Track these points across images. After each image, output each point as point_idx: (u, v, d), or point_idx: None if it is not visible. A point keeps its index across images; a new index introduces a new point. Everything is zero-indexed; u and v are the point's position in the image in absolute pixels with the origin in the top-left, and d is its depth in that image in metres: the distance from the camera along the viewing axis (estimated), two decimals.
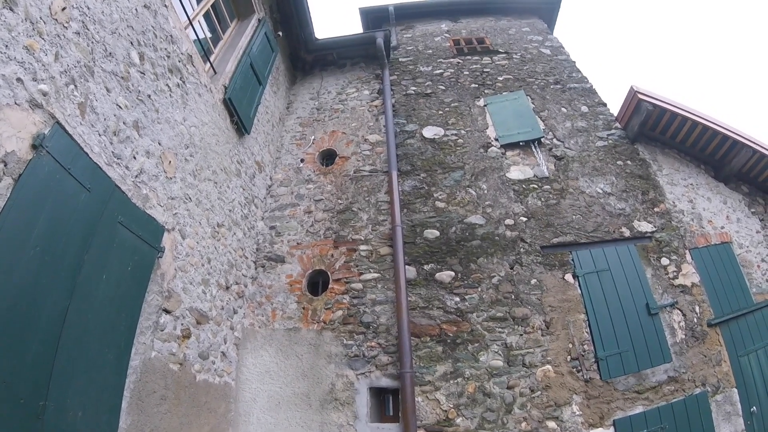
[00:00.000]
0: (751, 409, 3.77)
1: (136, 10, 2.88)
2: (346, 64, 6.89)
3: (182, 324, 3.08)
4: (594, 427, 3.46)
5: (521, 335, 3.84)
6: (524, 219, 4.59)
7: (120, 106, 2.59)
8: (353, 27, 44.47)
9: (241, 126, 4.49)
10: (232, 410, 3.75)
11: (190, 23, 3.92)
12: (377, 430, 3.58)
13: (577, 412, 3.50)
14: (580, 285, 4.12)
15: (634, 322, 3.95)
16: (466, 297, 4.07)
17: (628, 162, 5.09)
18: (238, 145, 4.51)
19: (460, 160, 5.20)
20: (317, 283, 4.53)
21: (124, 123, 2.61)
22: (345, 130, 5.79)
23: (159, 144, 2.99)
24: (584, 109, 5.78)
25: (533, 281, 4.14)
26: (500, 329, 3.88)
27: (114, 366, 2.38)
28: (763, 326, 4.23)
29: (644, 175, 4.97)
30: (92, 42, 2.39)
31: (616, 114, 5.58)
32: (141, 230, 2.65)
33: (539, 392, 3.57)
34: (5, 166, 1.76)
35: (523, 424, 3.43)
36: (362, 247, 4.53)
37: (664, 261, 4.32)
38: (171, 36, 3.33)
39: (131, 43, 2.79)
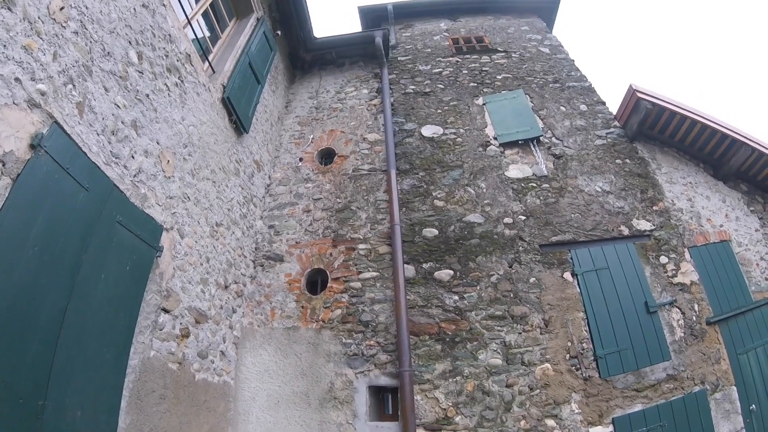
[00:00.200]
0: (750, 407, 3.78)
1: (134, 9, 2.88)
2: (344, 63, 6.88)
3: (181, 323, 3.09)
4: (593, 425, 3.46)
5: (520, 333, 3.84)
6: (523, 217, 4.59)
7: (118, 106, 2.59)
8: (352, 26, 44.47)
9: (240, 125, 4.49)
10: (231, 409, 3.75)
11: (189, 22, 3.91)
12: (376, 428, 3.58)
13: (576, 411, 3.51)
14: (578, 283, 4.12)
15: (633, 321, 3.95)
16: (465, 295, 4.08)
17: (627, 160, 5.09)
18: (237, 144, 4.51)
19: (459, 159, 5.20)
20: (316, 282, 4.54)
21: (122, 122, 2.61)
22: (344, 129, 5.79)
23: (157, 143, 2.99)
24: (583, 107, 5.78)
25: (532, 280, 4.15)
26: (499, 328, 3.88)
27: (113, 365, 2.38)
28: (762, 324, 4.23)
29: (643, 173, 4.97)
30: (90, 41, 2.39)
31: (615, 113, 5.58)
32: (139, 229, 2.65)
33: (538, 390, 3.58)
34: (3, 165, 1.76)
35: (522, 423, 3.43)
36: (361, 246, 4.53)
37: (663, 259, 4.33)
38: (169, 35, 3.32)
39: (129, 42, 2.78)
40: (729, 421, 3.67)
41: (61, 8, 2.16)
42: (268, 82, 5.64)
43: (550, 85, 6.18)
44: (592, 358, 3.76)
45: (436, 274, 4.24)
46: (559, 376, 3.65)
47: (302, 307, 4.24)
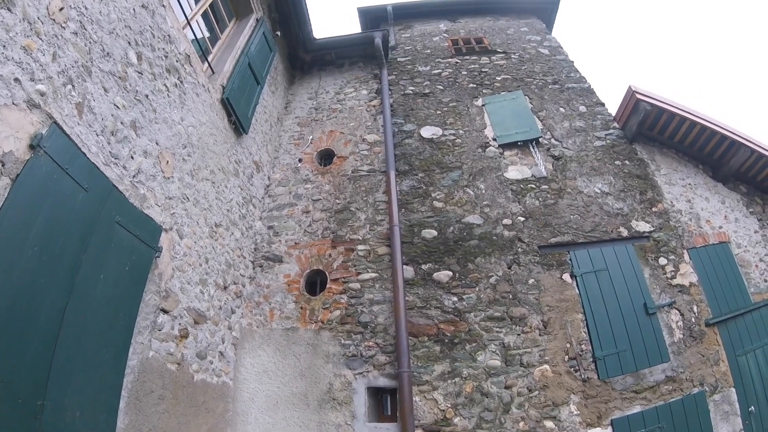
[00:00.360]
0: (749, 409, 3.78)
1: (134, 10, 2.88)
2: (344, 63, 6.89)
3: (180, 324, 3.08)
4: (592, 426, 3.46)
5: (519, 335, 3.84)
6: (522, 219, 4.59)
7: (118, 106, 2.59)
8: (352, 27, 44.48)
9: (239, 126, 4.49)
10: (230, 410, 3.75)
11: (188, 23, 3.92)
12: (375, 429, 3.58)
13: (575, 412, 3.51)
14: (577, 285, 4.12)
15: (632, 322, 3.95)
16: (464, 297, 4.08)
17: (626, 162, 5.10)
18: (236, 145, 4.52)
19: (458, 160, 5.21)
20: (315, 282, 4.54)
21: (121, 123, 2.61)
22: (343, 130, 5.79)
23: (157, 144, 2.99)
24: (582, 108, 5.79)
25: (531, 281, 4.15)
26: (498, 329, 3.88)
27: (112, 365, 2.38)
28: (761, 326, 4.24)
29: (642, 174, 4.97)
30: (90, 42, 2.39)
31: (614, 114, 5.59)
32: (138, 230, 2.66)
33: (537, 392, 3.58)
34: (3, 166, 1.76)
35: (521, 424, 3.43)
36: (360, 247, 4.53)
37: (662, 261, 4.33)
38: (169, 36, 3.33)
39: (129, 43, 2.79)
40: (728, 422, 3.67)
41: (61, 9, 2.17)
42: (268, 82, 5.64)
43: (550, 87, 6.18)
44: (591, 359, 3.76)
45: (435, 275, 4.24)
46: (557, 377, 3.65)
47: (301, 308, 4.24)
